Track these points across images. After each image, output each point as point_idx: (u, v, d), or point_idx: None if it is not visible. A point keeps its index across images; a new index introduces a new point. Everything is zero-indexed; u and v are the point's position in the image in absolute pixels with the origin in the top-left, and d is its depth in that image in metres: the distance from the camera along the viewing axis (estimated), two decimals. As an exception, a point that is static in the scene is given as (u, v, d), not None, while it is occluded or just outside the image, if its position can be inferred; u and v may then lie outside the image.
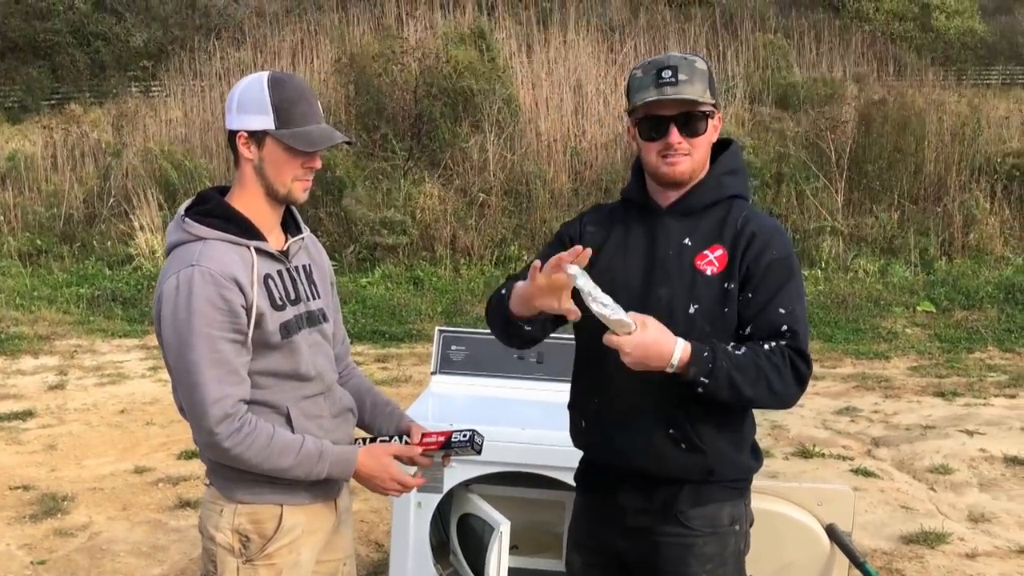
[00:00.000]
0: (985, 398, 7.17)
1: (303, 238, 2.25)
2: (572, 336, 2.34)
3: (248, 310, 2.02)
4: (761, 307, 2.08)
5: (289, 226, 2.23)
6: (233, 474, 2.08)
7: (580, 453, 2.36)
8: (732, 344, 2.05)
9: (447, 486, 3.08)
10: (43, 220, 12.53)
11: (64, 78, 20.58)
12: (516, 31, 14.12)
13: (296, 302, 2.15)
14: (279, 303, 2.10)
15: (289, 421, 2.10)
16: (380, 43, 13.30)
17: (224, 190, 2.17)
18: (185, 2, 22.19)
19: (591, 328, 2.21)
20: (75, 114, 15.07)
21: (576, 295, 1.95)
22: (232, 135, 2.10)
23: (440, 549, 3.32)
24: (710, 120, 2.14)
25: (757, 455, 2.25)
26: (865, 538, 4.59)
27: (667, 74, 2.08)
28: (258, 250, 2.08)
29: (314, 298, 2.22)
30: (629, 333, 1.92)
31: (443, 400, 3.46)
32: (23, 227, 12.55)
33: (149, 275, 10.77)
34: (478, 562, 2.97)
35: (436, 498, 3.10)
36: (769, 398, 2.04)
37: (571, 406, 2.34)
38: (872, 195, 11.73)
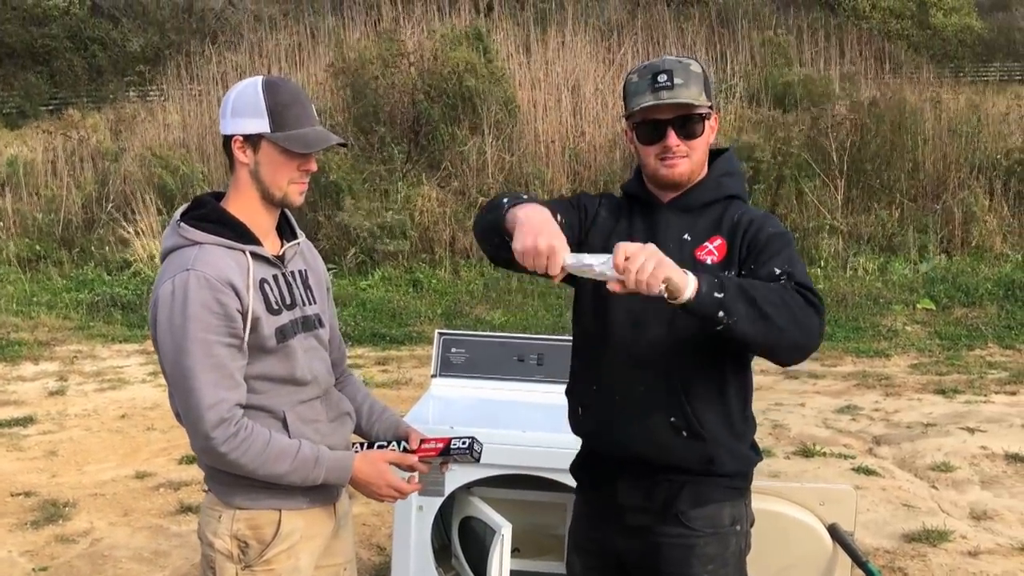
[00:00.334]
0: (986, 395, 7.16)
1: (299, 243, 2.25)
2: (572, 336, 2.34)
3: (244, 314, 2.02)
4: (760, 268, 2.05)
5: (284, 231, 2.23)
6: (231, 480, 2.08)
7: (581, 453, 2.36)
8: None
9: (448, 489, 3.08)
10: (42, 226, 12.54)
11: (62, 83, 20.60)
12: (514, 32, 14.12)
13: (292, 307, 2.15)
14: (275, 307, 2.10)
15: (285, 425, 2.10)
16: (377, 46, 13.30)
17: (220, 195, 2.18)
18: (182, 6, 22.20)
19: (588, 315, 2.22)
20: (73, 119, 15.09)
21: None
22: (227, 140, 2.11)
23: (442, 552, 3.32)
24: (707, 122, 2.16)
25: (756, 450, 2.25)
26: (867, 537, 4.59)
27: (663, 78, 2.10)
28: (254, 254, 2.08)
29: (310, 303, 2.22)
30: (622, 282, 1.81)
31: (444, 403, 3.46)
32: (22, 233, 12.56)
33: (148, 280, 10.77)
34: (480, 565, 2.97)
35: (438, 501, 3.10)
36: (791, 323, 1.91)
37: (569, 392, 2.34)
38: (871, 193, 11.73)
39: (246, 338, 2.03)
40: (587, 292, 2.24)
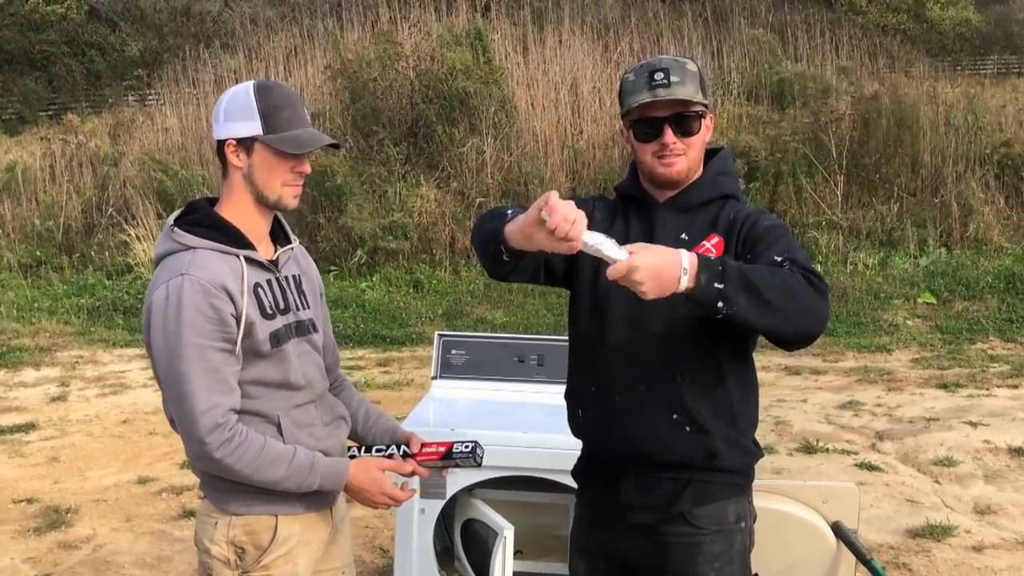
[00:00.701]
0: (988, 389, 7.14)
1: (292, 248, 2.25)
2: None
3: (238, 319, 2.02)
4: (758, 259, 2.04)
5: (278, 236, 2.24)
6: (226, 486, 2.07)
7: (583, 454, 2.35)
8: None
9: (450, 492, 3.08)
10: (42, 231, 12.53)
11: (60, 88, 20.57)
12: (511, 32, 14.10)
13: (286, 311, 2.15)
14: (269, 312, 2.10)
15: (280, 430, 2.10)
16: (374, 48, 13.28)
17: (214, 200, 2.18)
18: (180, 10, 22.18)
19: (585, 316, 2.21)
20: (72, 124, 15.07)
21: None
22: (221, 144, 2.11)
23: (444, 555, 3.31)
24: (703, 120, 2.17)
25: (757, 446, 2.26)
26: (871, 532, 4.58)
27: (659, 76, 2.11)
28: (247, 259, 2.09)
29: (303, 308, 2.22)
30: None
31: (444, 405, 3.45)
32: (22, 239, 12.56)
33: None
34: (483, 567, 2.97)
35: (440, 504, 3.09)
36: (795, 308, 1.90)
37: (568, 395, 2.33)
38: (870, 188, 11.71)
39: (240, 343, 2.03)
40: (584, 294, 2.23)
